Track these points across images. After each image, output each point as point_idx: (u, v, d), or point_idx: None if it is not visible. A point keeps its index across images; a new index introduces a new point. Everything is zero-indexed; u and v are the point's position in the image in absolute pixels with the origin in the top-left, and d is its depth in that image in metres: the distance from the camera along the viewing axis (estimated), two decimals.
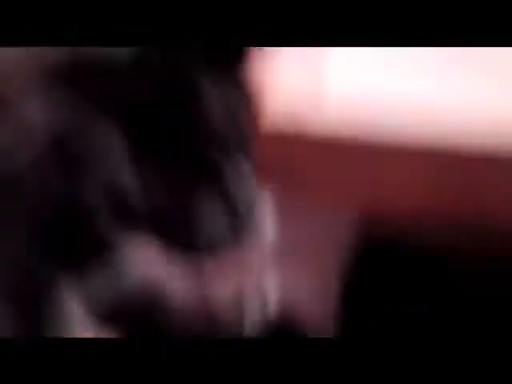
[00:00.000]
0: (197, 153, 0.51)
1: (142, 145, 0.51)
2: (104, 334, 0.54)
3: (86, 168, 0.52)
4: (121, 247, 0.54)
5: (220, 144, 0.52)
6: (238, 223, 0.50)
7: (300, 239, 0.56)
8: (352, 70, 0.37)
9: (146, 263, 0.54)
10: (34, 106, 0.51)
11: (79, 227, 0.58)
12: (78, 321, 0.55)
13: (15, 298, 0.60)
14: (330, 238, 0.54)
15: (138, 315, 0.54)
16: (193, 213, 0.51)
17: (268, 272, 0.57)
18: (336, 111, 0.34)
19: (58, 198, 0.59)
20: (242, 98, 0.52)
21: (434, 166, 0.30)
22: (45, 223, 0.61)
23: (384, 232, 0.45)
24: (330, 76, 0.36)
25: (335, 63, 0.36)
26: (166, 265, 0.53)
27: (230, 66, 0.54)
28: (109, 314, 0.53)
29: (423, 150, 0.30)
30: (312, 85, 0.32)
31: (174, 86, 0.52)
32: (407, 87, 0.39)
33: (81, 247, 0.57)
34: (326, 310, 0.58)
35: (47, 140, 0.52)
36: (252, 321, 0.58)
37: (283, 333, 0.57)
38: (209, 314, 0.57)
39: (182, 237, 0.51)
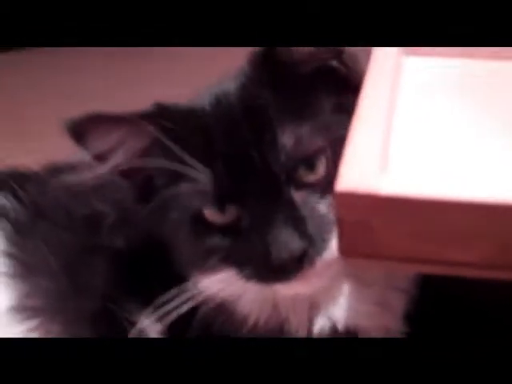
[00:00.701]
0: (274, 187, 0.53)
1: (224, 175, 0.54)
2: None
3: (173, 205, 0.56)
4: (197, 278, 0.58)
5: (295, 177, 0.54)
6: (308, 244, 0.52)
7: None
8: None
9: (220, 286, 0.57)
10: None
11: (160, 264, 0.61)
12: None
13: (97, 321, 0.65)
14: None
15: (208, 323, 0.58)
16: (268, 239, 0.53)
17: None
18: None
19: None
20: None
21: (499, 219, 0.30)
22: (127, 258, 0.65)
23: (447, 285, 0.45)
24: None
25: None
26: (240, 285, 0.56)
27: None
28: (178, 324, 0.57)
29: (487, 203, 0.29)
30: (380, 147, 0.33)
31: (251, 126, 0.54)
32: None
33: (159, 282, 0.60)
34: None
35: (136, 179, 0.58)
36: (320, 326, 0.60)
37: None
38: (278, 318, 0.60)
39: (258, 263, 0.54)
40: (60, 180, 0.70)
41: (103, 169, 0.56)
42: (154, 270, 0.62)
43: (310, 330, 0.59)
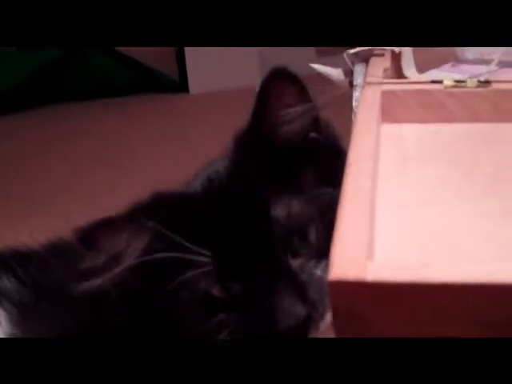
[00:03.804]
0: (272, 258, 0.57)
1: (225, 255, 0.57)
2: None
3: (180, 291, 0.59)
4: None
5: (290, 247, 0.58)
6: (310, 309, 0.55)
7: None
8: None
9: None
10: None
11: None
12: None
13: None
14: None
15: None
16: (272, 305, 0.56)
17: None
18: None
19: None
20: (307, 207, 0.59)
21: (484, 299, 0.32)
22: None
23: None
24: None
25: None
26: None
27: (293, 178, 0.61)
28: None
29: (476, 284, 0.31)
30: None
31: (243, 204, 0.59)
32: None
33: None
34: None
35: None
36: None
37: None
38: None
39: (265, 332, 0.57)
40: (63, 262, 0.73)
41: (116, 271, 0.59)
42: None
43: None
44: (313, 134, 0.65)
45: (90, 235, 0.58)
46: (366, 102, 0.60)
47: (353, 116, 0.77)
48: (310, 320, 0.55)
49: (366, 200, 0.39)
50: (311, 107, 0.63)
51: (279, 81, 0.62)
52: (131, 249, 0.58)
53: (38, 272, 0.73)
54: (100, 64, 2.49)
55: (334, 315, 0.33)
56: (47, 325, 0.68)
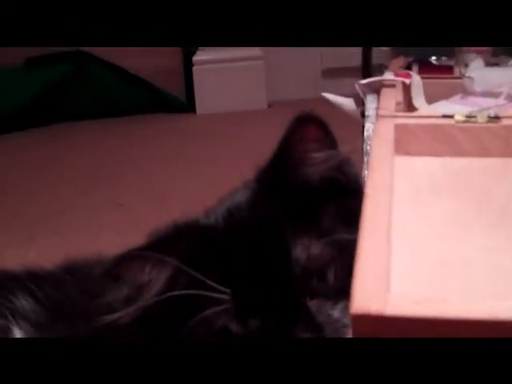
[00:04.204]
0: (291, 299, 0.58)
1: (244, 292, 0.58)
2: None
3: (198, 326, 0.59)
4: None
5: (309, 288, 0.59)
6: None
7: None
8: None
9: None
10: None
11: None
12: None
13: None
14: None
15: None
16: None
17: None
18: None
19: None
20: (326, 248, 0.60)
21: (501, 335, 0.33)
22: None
23: None
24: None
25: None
26: None
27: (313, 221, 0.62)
28: None
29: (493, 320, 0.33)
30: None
31: (264, 242, 0.60)
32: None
33: None
34: None
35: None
36: None
37: None
38: None
39: None
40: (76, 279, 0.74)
41: (138, 306, 0.61)
42: None
43: None
44: (334, 174, 0.65)
45: (116, 267, 0.60)
46: (380, 136, 0.62)
47: (364, 145, 0.79)
48: None
49: (383, 234, 0.41)
50: (335, 154, 0.64)
51: (305, 126, 0.63)
52: (153, 282, 0.60)
53: (55, 292, 0.75)
54: (106, 84, 2.51)
55: None
56: None
